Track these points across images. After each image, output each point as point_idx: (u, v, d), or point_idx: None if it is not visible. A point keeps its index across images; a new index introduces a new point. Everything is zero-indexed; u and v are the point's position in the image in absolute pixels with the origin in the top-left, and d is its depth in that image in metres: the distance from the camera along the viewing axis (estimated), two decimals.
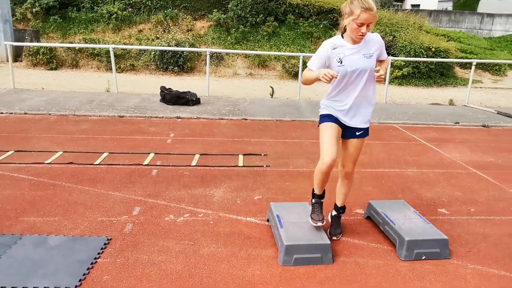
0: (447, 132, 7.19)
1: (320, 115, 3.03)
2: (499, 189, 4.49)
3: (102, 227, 3.26)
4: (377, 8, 2.70)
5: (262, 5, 15.46)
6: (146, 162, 4.83)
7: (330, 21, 16.27)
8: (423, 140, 6.52)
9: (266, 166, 4.91)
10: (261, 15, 15.48)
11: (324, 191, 3.09)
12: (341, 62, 2.76)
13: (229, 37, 14.94)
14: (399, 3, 39.49)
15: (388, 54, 14.62)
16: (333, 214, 3.31)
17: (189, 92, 8.18)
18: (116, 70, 12.47)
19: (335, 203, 3.28)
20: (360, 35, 2.69)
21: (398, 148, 5.98)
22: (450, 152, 5.85)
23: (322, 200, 3.10)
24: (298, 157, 5.29)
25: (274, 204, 3.45)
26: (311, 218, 3.03)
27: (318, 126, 3.01)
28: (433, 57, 13.08)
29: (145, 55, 13.00)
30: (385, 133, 6.90)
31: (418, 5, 39.71)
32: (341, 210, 3.27)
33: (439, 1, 39.12)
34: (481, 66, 16.46)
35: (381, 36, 2.94)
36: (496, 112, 8.91)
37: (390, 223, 3.20)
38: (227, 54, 13.98)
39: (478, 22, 29.13)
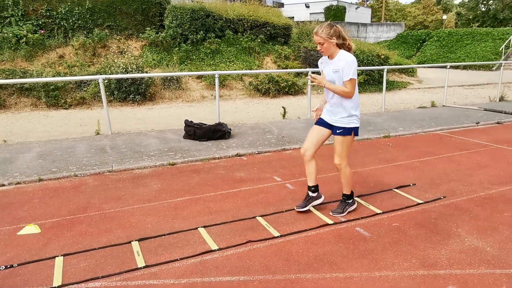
0: (483, 132, 7.52)
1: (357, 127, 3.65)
2: None
3: None
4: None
5: (200, 21, 14.42)
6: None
7: (265, 35, 16.10)
8: (493, 143, 6.66)
9: (443, 197, 4.32)
10: (201, 31, 14.43)
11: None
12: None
13: (174, 57, 13.49)
14: None
15: None
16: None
17: (221, 123, 6.93)
18: (62, 105, 10.10)
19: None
20: (321, 52, 3.51)
21: (493, 158, 5.96)
22: None
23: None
24: (451, 181, 4.80)
25: None
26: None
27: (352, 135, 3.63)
28: (383, 64, 13.94)
29: (91, 85, 10.76)
30: (449, 141, 6.85)
31: (292, 17, 42.61)
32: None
33: (310, 13, 42.56)
34: (396, 70, 18.29)
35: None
36: (483, 109, 9.79)
37: None
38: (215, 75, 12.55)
39: (355, 31, 32.59)
